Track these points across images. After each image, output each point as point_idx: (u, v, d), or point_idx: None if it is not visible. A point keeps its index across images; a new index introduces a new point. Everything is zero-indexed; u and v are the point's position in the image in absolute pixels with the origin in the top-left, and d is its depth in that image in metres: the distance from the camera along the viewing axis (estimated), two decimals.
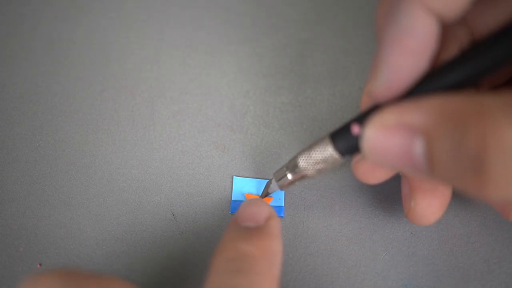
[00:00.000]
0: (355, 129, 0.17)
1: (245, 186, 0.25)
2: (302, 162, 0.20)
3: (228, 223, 0.23)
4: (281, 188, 0.22)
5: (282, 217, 0.25)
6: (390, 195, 0.25)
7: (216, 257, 0.19)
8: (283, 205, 0.25)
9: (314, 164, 0.19)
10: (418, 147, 0.14)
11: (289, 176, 0.21)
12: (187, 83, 0.27)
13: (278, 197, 0.25)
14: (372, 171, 0.20)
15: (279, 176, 0.22)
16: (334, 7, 0.29)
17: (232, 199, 0.25)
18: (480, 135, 0.12)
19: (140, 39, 0.28)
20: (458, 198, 0.25)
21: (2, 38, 0.28)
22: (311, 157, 0.19)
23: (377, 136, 0.15)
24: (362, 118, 0.17)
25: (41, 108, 0.27)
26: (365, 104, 0.20)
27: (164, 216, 0.25)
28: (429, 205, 0.20)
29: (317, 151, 0.19)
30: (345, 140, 0.18)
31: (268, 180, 0.24)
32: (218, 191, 0.25)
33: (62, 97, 0.27)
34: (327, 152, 0.19)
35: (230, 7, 0.29)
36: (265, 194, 0.24)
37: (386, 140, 0.15)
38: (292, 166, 0.21)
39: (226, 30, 0.29)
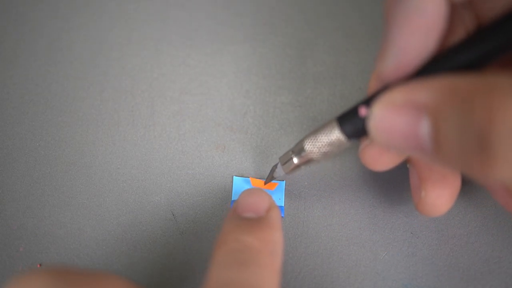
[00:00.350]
0: (362, 111, 0.17)
1: (245, 186, 0.25)
2: (308, 145, 0.20)
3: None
4: (286, 171, 0.22)
5: (282, 217, 0.24)
6: (390, 195, 0.25)
7: (218, 249, 0.18)
8: (283, 205, 0.25)
9: (320, 147, 0.19)
10: (424, 127, 0.14)
11: (295, 160, 0.21)
12: (187, 83, 0.27)
13: (278, 197, 0.25)
14: (379, 157, 0.19)
15: (285, 160, 0.21)
16: (334, 7, 0.29)
17: (232, 199, 0.25)
18: (487, 113, 0.12)
19: (140, 39, 0.28)
20: (459, 198, 0.25)
21: (2, 38, 0.28)
22: (317, 140, 0.19)
23: (384, 114, 0.15)
24: (369, 101, 0.17)
25: (41, 108, 0.27)
26: (372, 88, 0.20)
27: (164, 216, 0.25)
28: (439, 195, 0.20)
29: (324, 134, 0.19)
30: (352, 123, 0.18)
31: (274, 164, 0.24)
32: (218, 191, 0.25)
33: (62, 97, 0.27)
34: (333, 135, 0.19)
35: (230, 7, 0.29)
36: (270, 178, 0.24)
37: (393, 119, 0.15)
38: (298, 149, 0.20)
39: (226, 30, 0.29)
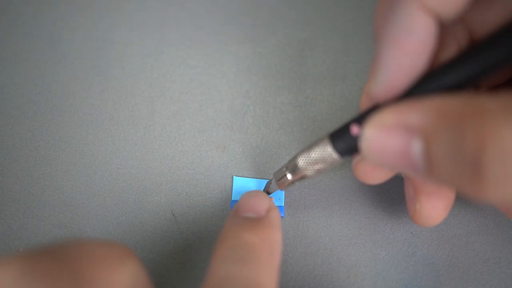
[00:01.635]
0: (354, 129, 0.17)
1: (245, 186, 0.25)
2: (301, 162, 0.20)
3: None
4: (281, 188, 0.22)
5: (282, 217, 0.25)
6: (390, 195, 0.25)
7: (219, 245, 0.19)
8: (283, 205, 0.25)
9: (313, 164, 0.19)
10: (416, 147, 0.14)
11: (289, 176, 0.21)
12: (187, 83, 0.27)
13: (278, 197, 0.25)
14: (372, 172, 0.20)
15: (279, 176, 0.22)
16: (334, 7, 0.29)
17: (232, 199, 0.25)
18: (479, 136, 0.12)
19: (140, 39, 0.28)
20: (458, 198, 0.25)
21: (2, 38, 0.28)
22: (310, 157, 0.19)
23: (375, 135, 0.15)
24: (361, 119, 0.17)
25: (41, 108, 0.27)
26: (364, 104, 0.20)
27: (164, 216, 0.25)
28: (435, 207, 0.20)
29: (316, 151, 0.19)
30: (344, 141, 0.18)
31: (268, 180, 0.24)
32: (218, 191, 0.25)
33: (62, 97, 0.27)
34: (326, 152, 0.19)
35: (230, 7, 0.29)
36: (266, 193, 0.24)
37: (385, 140, 0.15)
38: (292, 166, 0.21)
39: (226, 30, 0.29)
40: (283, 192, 0.25)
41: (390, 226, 0.25)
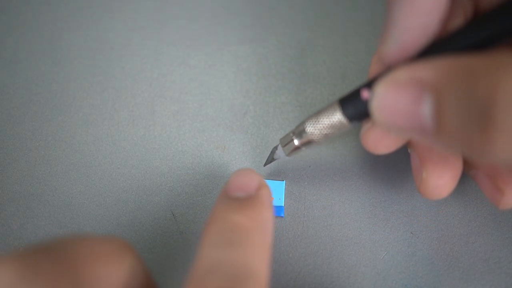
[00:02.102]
0: (365, 93, 0.17)
1: None
2: (309, 127, 0.20)
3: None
4: (287, 154, 0.22)
5: (282, 217, 0.25)
6: (390, 195, 0.25)
7: (207, 229, 0.18)
8: (283, 205, 0.25)
9: (322, 129, 0.19)
10: (426, 106, 0.14)
11: (296, 142, 0.21)
12: (187, 83, 0.27)
13: (278, 197, 0.25)
14: (380, 140, 0.19)
15: (285, 142, 0.21)
16: (334, 7, 0.29)
17: None
18: (490, 85, 0.12)
19: (140, 39, 0.28)
20: (459, 198, 0.25)
21: (2, 38, 0.28)
22: (318, 122, 0.19)
23: (386, 92, 0.15)
24: (371, 84, 0.17)
25: (41, 108, 0.27)
26: (373, 72, 0.20)
27: (164, 216, 0.25)
28: (441, 175, 0.19)
29: (325, 116, 0.19)
30: (354, 106, 0.18)
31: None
32: (218, 191, 0.25)
33: (62, 97, 0.27)
34: (335, 117, 0.19)
35: (230, 7, 0.29)
36: (270, 160, 0.23)
37: (395, 97, 0.15)
38: (299, 131, 0.20)
39: (226, 30, 0.29)
40: (283, 192, 0.25)
41: (390, 226, 0.25)
